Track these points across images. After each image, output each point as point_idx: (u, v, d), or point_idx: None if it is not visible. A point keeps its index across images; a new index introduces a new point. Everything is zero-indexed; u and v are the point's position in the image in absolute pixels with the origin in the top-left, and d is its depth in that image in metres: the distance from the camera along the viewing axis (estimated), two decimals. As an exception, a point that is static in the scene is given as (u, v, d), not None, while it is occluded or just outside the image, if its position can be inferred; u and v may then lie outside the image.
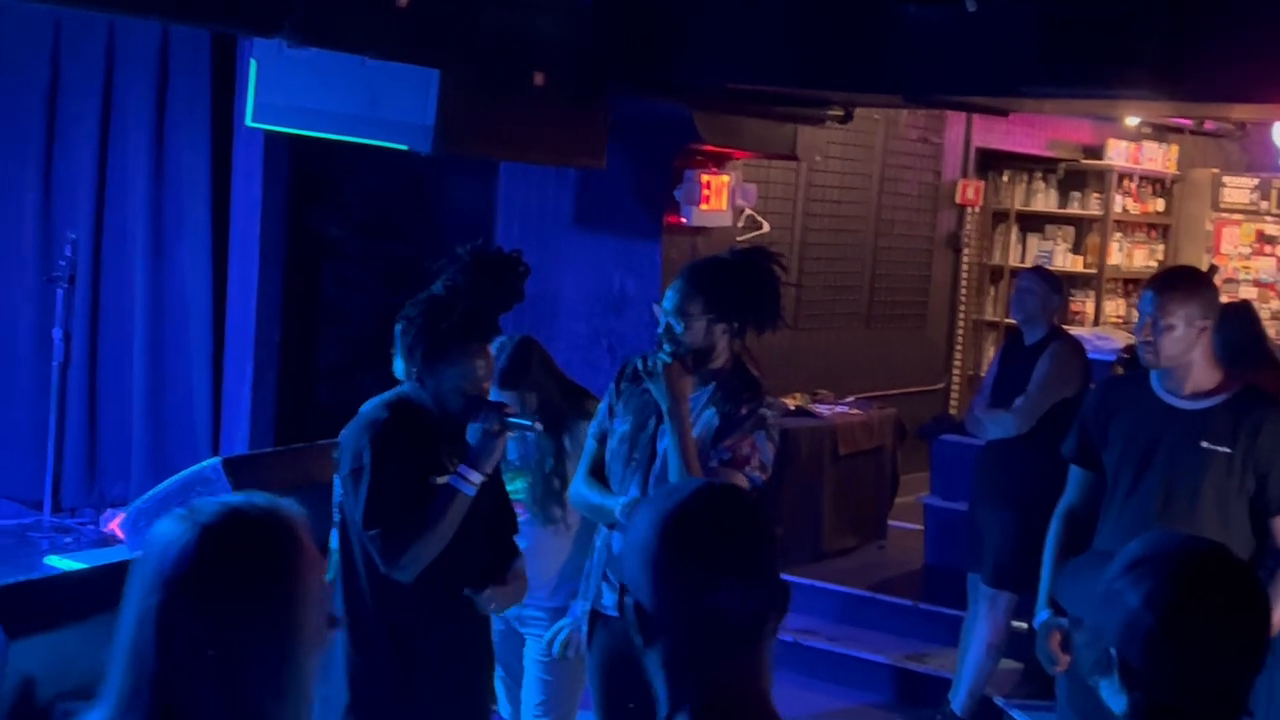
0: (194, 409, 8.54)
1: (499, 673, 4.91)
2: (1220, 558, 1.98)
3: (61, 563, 7.14)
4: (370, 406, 3.89)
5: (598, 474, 4.19)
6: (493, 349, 4.62)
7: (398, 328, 3.89)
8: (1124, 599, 1.93)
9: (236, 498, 1.82)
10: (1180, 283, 4.21)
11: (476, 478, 3.81)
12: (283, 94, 6.06)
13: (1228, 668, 1.92)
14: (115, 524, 7.79)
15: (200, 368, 8.52)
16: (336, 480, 3.88)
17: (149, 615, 1.74)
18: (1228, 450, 4.04)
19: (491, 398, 4.54)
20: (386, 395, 3.93)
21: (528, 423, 4.07)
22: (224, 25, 5.98)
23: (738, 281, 4.03)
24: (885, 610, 7.46)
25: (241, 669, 1.72)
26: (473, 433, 3.84)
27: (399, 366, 3.92)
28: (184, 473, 6.09)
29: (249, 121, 6.38)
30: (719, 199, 7.64)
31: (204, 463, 6.19)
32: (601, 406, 4.28)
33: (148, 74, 8.48)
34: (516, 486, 4.72)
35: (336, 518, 3.89)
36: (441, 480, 3.80)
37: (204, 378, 8.51)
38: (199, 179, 8.46)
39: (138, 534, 6.06)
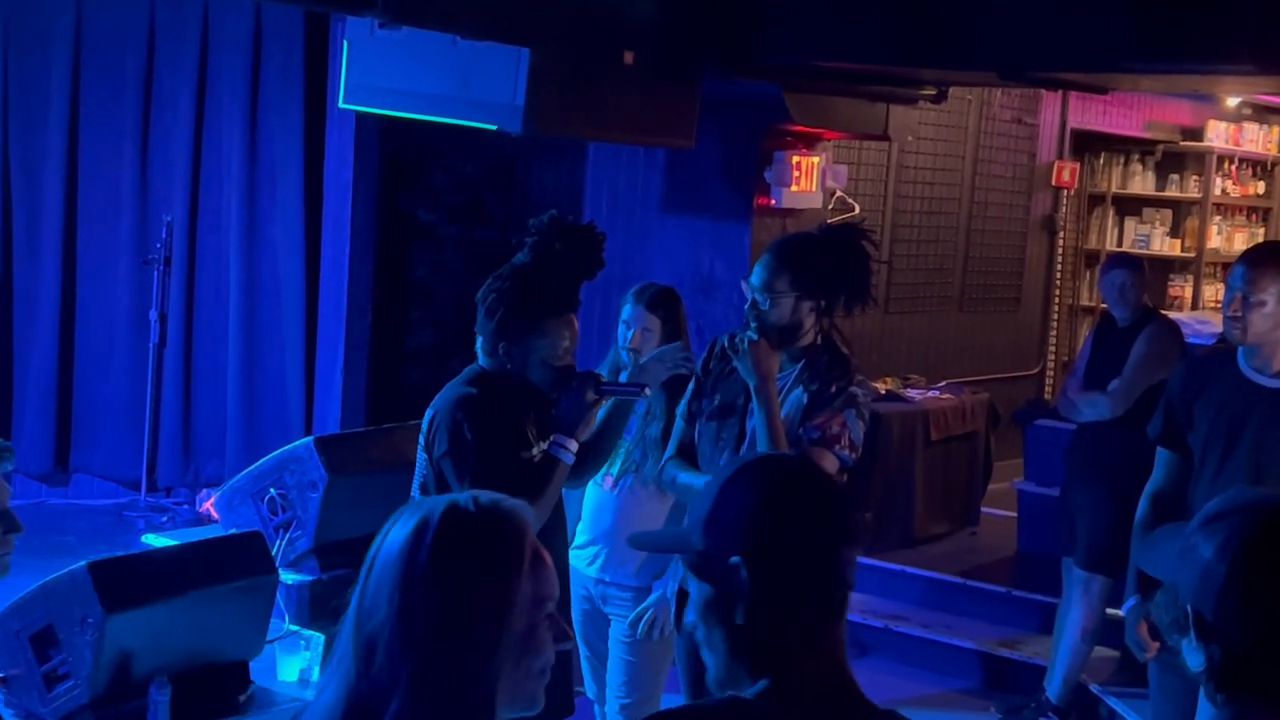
0: (286, 389, 8.63)
1: (584, 652, 4.92)
2: None
3: (158, 541, 7.24)
4: (453, 385, 3.89)
5: (686, 453, 4.16)
6: (632, 290, 4.70)
7: (482, 302, 3.89)
8: (1198, 553, 1.90)
9: (464, 496, 1.82)
10: (1273, 258, 4.10)
11: (573, 445, 3.84)
12: (374, 75, 6.09)
13: None
14: (210, 504, 7.91)
15: (293, 348, 8.61)
16: (421, 462, 3.88)
17: (353, 609, 1.78)
18: None
19: (626, 315, 4.59)
20: (465, 373, 3.93)
21: (630, 389, 4.08)
22: (318, 3, 6.03)
23: (825, 258, 3.98)
24: (977, 596, 7.38)
25: (425, 677, 1.72)
26: (564, 403, 3.84)
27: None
28: (277, 452, 6.14)
29: (341, 103, 6.43)
30: (809, 180, 7.59)
31: (297, 442, 6.24)
32: (690, 385, 4.26)
33: (241, 56, 8.58)
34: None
35: (418, 498, 3.89)
36: (529, 454, 3.81)
37: (296, 358, 8.60)
38: (291, 161, 8.55)
39: (232, 513, 6.12)
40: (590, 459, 4.14)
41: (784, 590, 1.86)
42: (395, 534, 1.79)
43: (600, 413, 4.16)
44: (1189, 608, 1.90)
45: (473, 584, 1.75)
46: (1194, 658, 1.91)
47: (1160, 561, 2.06)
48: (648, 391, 4.17)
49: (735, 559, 1.86)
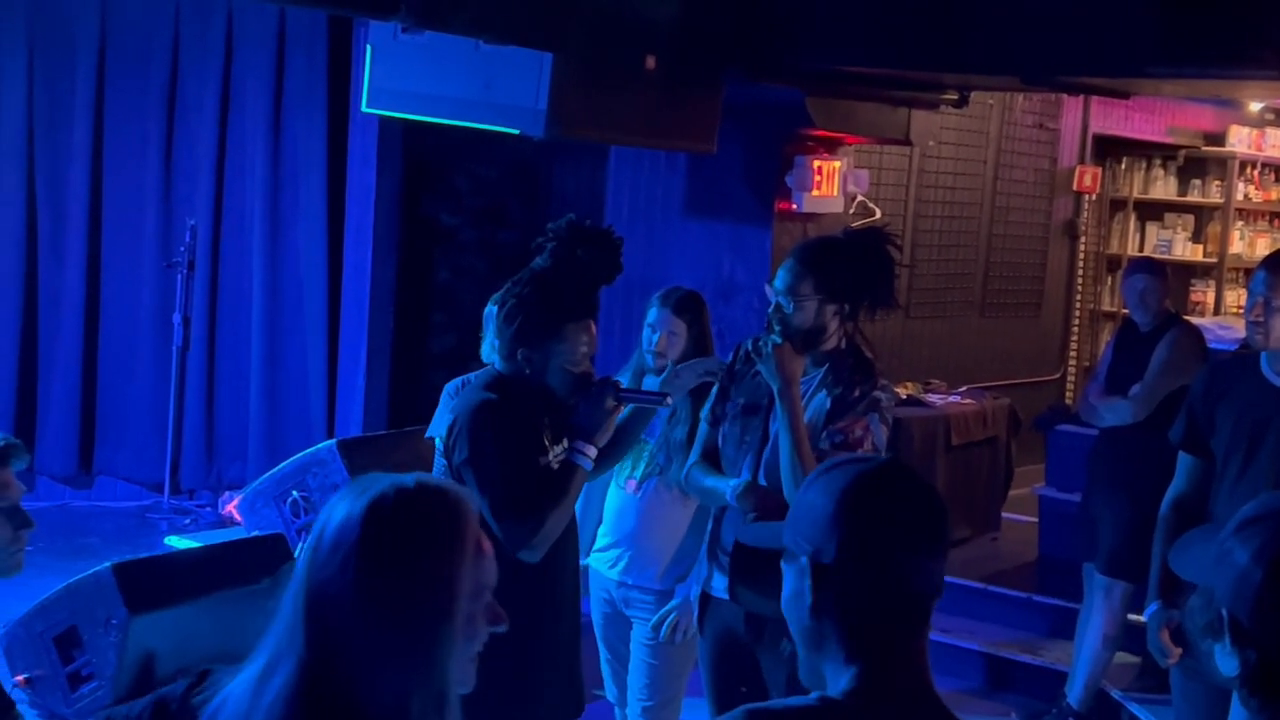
0: (309, 392, 8.66)
1: (605, 655, 4.92)
2: None
3: (180, 543, 7.29)
4: (471, 390, 3.88)
5: (710, 458, 4.17)
6: (658, 294, 4.71)
7: (497, 309, 3.88)
8: (1234, 557, 1.90)
9: (409, 478, 1.86)
10: None
11: (592, 451, 3.83)
12: (397, 79, 6.11)
13: None
14: (232, 506, 7.94)
15: (315, 352, 8.64)
16: (439, 467, 3.87)
17: (302, 581, 1.80)
18: None
19: (652, 319, 4.59)
20: (482, 378, 3.92)
21: (652, 397, 4.08)
22: (340, 7, 6.05)
23: (849, 262, 3.98)
24: (998, 602, 7.36)
25: (381, 646, 1.76)
26: (582, 409, 3.85)
27: (488, 349, 3.90)
28: (300, 455, 6.17)
29: (364, 107, 6.45)
30: (830, 185, 7.58)
31: (319, 445, 6.27)
32: (714, 389, 4.26)
33: (265, 60, 8.61)
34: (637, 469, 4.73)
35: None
36: (546, 460, 3.81)
37: (319, 361, 8.63)
38: (315, 165, 8.58)
39: (254, 515, 6.16)
40: (605, 459, 4.15)
41: (851, 593, 1.89)
42: (345, 510, 1.81)
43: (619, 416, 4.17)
44: (1224, 612, 1.90)
45: (429, 560, 1.79)
46: (1228, 662, 1.91)
47: (1194, 565, 2.05)
48: (669, 401, 4.16)
49: (804, 559, 1.91)
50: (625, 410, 4.11)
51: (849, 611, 1.89)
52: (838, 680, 1.88)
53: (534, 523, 3.72)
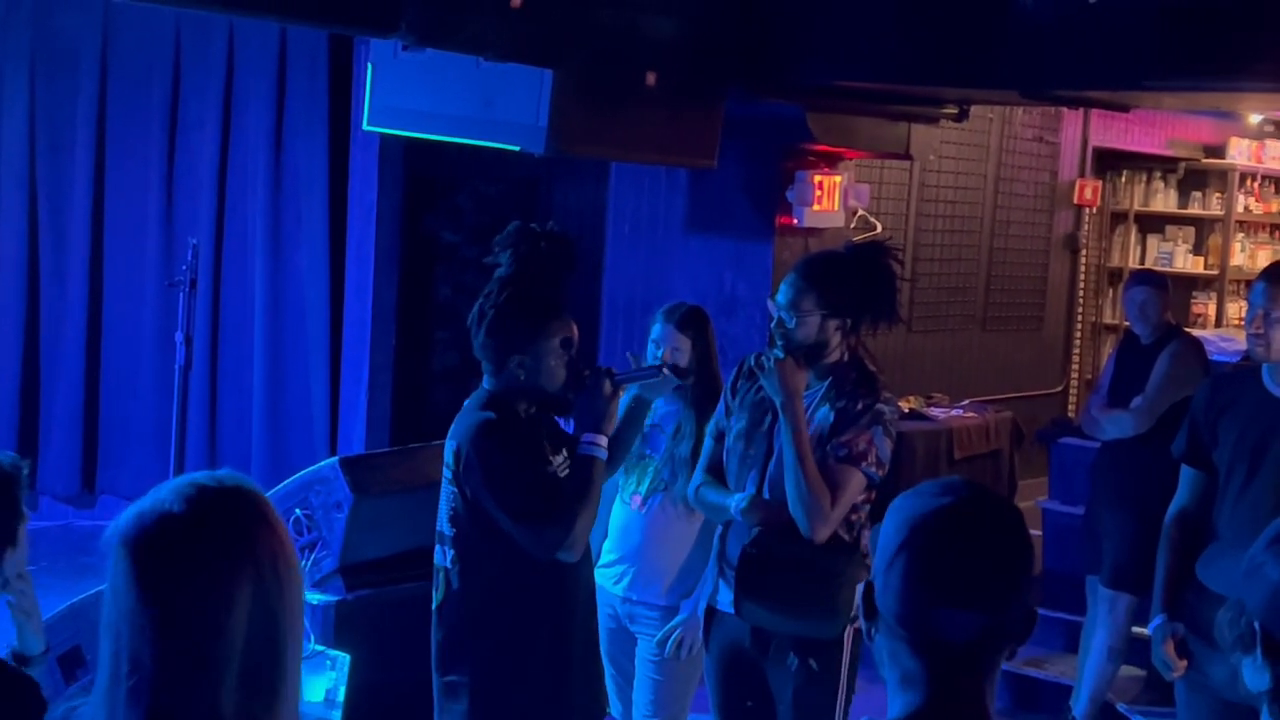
0: (311, 410, 8.66)
1: (609, 671, 4.91)
2: None
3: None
4: (468, 413, 3.88)
5: (715, 472, 4.17)
6: (661, 310, 4.74)
7: (475, 326, 3.89)
8: (1265, 571, 1.90)
9: (202, 475, 1.89)
10: None
11: (604, 441, 3.87)
12: (398, 97, 6.12)
13: None
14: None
15: (318, 370, 8.64)
16: (449, 494, 3.87)
17: (110, 582, 1.81)
18: None
19: (656, 334, 4.62)
20: (475, 399, 3.92)
21: (647, 371, 4.11)
22: (340, 25, 6.07)
23: (852, 276, 3.99)
24: (1002, 615, 7.35)
25: (176, 641, 1.76)
26: (581, 402, 3.88)
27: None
28: (302, 473, 6.15)
29: (365, 125, 6.46)
30: (831, 200, 7.59)
31: (322, 463, 6.25)
32: (719, 405, 4.27)
33: (267, 80, 8.63)
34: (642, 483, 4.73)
35: (450, 532, 3.88)
36: (552, 469, 3.82)
37: (321, 379, 8.63)
38: (316, 184, 8.59)
39: (257, 533, 6.13)
40: (614, 452, 4.17)
41: (890, 628, 1.87)
42: (126, 525, 1.82)
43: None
44: (1256, 625, 1.90)
45: (224, 561, 1.82)
46: (1258, 677, 1.91)
47: (1223, 578, 2.07)
48: (665, 371, 4.20)
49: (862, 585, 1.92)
50: (625, 396, 4.14)
51: (890, 648, 1.88)
52: (894, 705, 1.87)
53: (565, 522, 3.74)
